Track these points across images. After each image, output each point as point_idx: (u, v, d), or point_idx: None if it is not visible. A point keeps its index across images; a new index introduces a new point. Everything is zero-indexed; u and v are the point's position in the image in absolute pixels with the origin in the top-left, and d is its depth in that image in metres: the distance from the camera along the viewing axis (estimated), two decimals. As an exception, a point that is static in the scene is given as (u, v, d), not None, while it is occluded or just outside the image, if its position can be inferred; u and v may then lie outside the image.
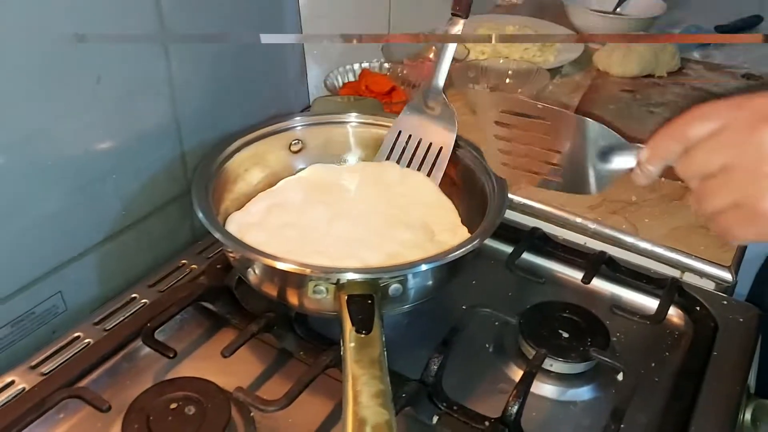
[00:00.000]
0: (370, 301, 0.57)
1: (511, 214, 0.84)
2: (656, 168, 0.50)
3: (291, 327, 0.67)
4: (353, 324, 0.55)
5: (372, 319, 0.55)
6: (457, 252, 0.61)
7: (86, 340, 0.66)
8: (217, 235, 0.62)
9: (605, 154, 0.53)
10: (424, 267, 0.60)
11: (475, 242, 0.62)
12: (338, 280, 0.59)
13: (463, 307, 0.70)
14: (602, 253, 0.77)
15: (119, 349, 0.64)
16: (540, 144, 0.57)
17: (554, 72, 1.16)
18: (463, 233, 0.71)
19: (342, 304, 0.57)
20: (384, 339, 0.54)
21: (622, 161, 0.53)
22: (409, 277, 0.60)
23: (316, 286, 0.60)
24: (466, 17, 0.76)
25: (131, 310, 0.70)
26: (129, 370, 0.64)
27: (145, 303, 0.71)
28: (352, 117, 0.82)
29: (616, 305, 0.70)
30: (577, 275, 0.76)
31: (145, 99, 0.71)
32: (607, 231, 0.82)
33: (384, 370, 0.52)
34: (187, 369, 0.65)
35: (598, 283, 0.76)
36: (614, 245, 0.81)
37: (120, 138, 0.69)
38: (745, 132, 0.43)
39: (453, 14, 0.76)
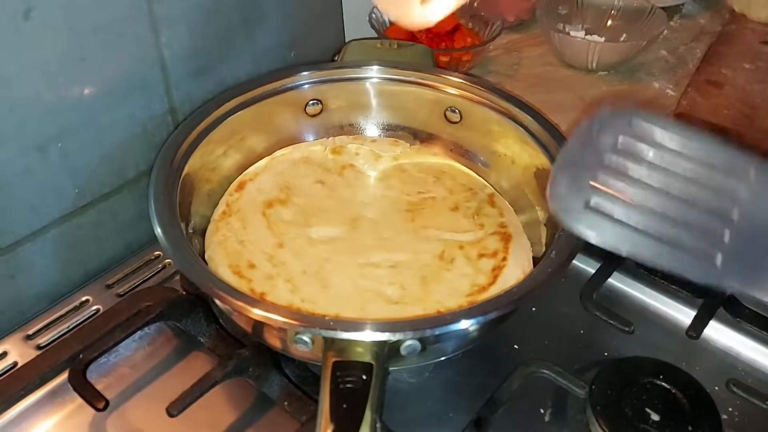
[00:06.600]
0: (365, 377, 0.39)
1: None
2: None
3: (276, 364, 0.50)
4: (331, 420, 0.37)
5: (361, 415, 0.37)
6: (501, 308, 0.41)
7: (10, 361, 0.51)
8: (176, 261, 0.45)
9: None
10: (451, 327, 0.40)
11: (535, 286, 0.42)
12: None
13: (516, 348, 0.52)
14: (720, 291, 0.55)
15: (42, 383, 0.48)
16: None
17: (672, 11, 0.90)
18: None
19: (326, 370, 0.39)
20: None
21: None
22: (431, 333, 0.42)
23: (297, 335, 0.42)
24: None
25: (76, 320, 0.54)
26: (53, 410, 0.49)
27: (96, 311, 0.55)
28: (374, 71, 0.62)
29: (735, 380, 0.48)
30: (680, 317, 0.55)
31: (105, 38, 0.52)
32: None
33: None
34: (135, 409, 0.49)
35: (711, 332, 0.54)
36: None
37: (67, 91, 0.52)
38: None
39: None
